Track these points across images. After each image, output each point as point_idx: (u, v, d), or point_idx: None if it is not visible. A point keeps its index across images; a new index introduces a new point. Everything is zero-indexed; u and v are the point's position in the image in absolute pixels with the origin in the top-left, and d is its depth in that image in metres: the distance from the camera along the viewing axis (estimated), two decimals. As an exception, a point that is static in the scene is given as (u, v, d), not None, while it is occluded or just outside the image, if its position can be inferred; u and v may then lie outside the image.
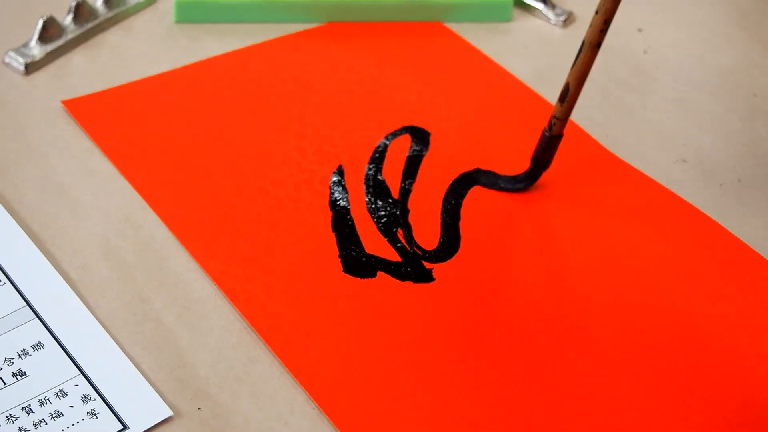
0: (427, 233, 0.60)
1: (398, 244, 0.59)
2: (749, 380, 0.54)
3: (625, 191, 0.64)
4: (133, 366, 0.51)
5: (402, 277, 0.57)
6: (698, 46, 0.76)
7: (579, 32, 0.72)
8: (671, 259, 0.60)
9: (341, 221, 0.60)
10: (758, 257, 0.60)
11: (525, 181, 0.63)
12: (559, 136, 0.61)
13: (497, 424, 0.51)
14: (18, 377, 0.51)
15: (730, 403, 0.53)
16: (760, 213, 0.63)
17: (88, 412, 0.50)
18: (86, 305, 0.54)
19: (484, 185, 0.63)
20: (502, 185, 0.63)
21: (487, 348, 0.54)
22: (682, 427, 0.52)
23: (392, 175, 0.63)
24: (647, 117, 0.70)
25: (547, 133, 0.61)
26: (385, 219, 0.60)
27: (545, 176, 0.63)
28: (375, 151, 0.64)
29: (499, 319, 0.56)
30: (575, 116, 0.68)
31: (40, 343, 0.52)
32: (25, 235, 0.57)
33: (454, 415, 0.51)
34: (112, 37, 0.71)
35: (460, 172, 0.64)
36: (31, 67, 0.67)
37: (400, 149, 0.65)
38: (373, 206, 0.61)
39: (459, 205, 0.62)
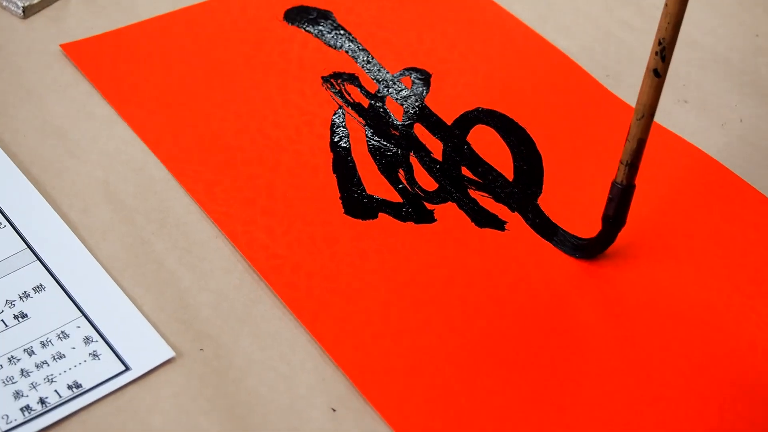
0: (428, 174, 0.60)
1: (400, 185, 0.59)
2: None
3: (625, 131, 0.64)
4: (135, 307, 0.52)
5: (403, 218, 0.57)
6: (700, -14, 0.75)
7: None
8: (672, 199, 0.60)
9: (342, 162, 0.60)
10: (760, 196, 0.60)
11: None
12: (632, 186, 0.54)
13: (498, 364, 0.51)
14: (19, 319, 0.51)
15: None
16: (761, 153, 0.63)
17: (90, 354, 0.50)
18: (87, 247, 0.54)
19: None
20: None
21: (489, 288, 0.54)
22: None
23: (393, 116, 0.63)
24: (648, 57, 0.69)
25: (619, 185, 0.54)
26: (386, 160, 0.60)
27: (544, 117, 0.62)
28: (376, 92, 0.64)
29: (501, 259, 0.56)
30: (575, 56, 0.68)
31: (41, 285, 0.52)
32: (24, 178, 0.57)
33: (455, 354, 0.51)
34: (110, -21, 0.70)
35: (461, 112, 0.63)
36: (29, 11, 0.66)
37: (402, 90, 0.64)
38: (374, 147, 0.61)
39: (461, 144, 0.61)
